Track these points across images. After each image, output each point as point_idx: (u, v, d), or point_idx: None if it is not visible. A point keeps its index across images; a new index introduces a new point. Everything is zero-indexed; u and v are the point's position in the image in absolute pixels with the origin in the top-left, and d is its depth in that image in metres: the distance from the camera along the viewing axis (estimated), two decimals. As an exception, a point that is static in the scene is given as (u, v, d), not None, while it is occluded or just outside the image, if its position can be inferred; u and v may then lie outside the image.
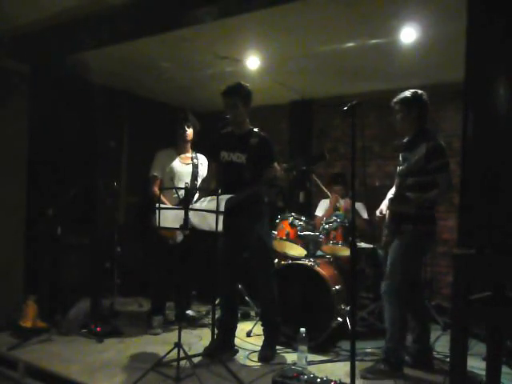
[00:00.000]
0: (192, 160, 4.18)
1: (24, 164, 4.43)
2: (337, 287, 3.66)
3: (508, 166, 2.50)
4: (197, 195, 3.97)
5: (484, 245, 2.18)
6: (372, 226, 4.45)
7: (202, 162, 4.20)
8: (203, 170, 4.15)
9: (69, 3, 3.55)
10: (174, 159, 4.11)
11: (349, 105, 2.47)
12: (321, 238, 4.03)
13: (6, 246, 4.28)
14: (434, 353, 3.37)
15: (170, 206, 3.63)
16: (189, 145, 4.20)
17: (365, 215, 4.59)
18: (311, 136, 6.07)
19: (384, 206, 3.36)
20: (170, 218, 3.05)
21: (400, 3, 3.37)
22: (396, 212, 3.14)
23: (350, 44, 4.03)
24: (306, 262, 3.73)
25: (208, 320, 4.21)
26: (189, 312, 4.31)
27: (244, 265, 3.51)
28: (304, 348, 3.02)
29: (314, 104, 6.00)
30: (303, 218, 4.10)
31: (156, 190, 4.00)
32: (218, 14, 3.45)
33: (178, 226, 2.99)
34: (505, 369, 2.79)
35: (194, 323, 4.19)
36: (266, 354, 3.33)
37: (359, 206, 4.57)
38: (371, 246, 4.16)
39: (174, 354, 2.93)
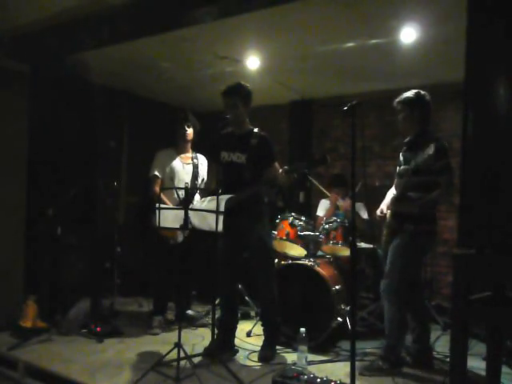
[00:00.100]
0: (192, 160, 4.18)
1: (24, 164, 4.43)
2: (337, 287, 3.66)
3: (508, 165, 2.50)
4: (197, 195, 3.99)
5: (484, 245, 2.18)
6: (371, 226, 4.45)
7: (202, 162, 4.20)
8: (203, 170, 4.15)
9: (69, 3, 3.55)
10: (174, 159, 4.11)
11: (349, 105, 2.47)
12: (321, 237, 4.03)
13: (6, 246, 4.28)
14: (434, 353, 3.37)
15: (170, 206, 3.63)
16: (189, 145, 4.20)
17: (365, 215, 4.59)
18: (311, 136, 6.07)
19: (384, 205, 3.36)
20: (170, 217, 3.06)
21: (400, 3, 3.37)
22: (398, 211, 3.14)
23: (350, 44, 4.03)
24: (306, 261, 3.73)
25: (208, 320, 4.21)
26: (189, 312, 4.31)
27: (244, 265, 3.51)
28: (304, 348, 3.02)
29: (314, 104, 5.99)
30: (303, 218, 4.11)
31: (157, 189, 4.00)
32: (218, 13, 3.45)
33: (178, 226, 2.99)
34: (505, 369, 2.79)
35: (193, 323, 4.19)
36: (266, 354, 3.33)
37: (359, 205, 4.57)
38: (371, 245, 4.16)
39: (173, 353, 2.93)
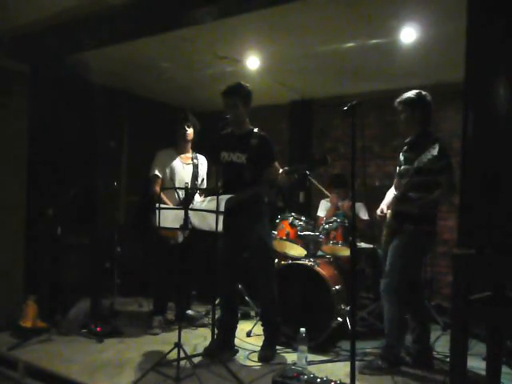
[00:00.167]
0: (192, 160, 4.18)
1: (24, 164, 4.43)
2: (337, 287, 3.66)
3: (508, 165, 2.50)
4: (197, 195, 3.98)
5: (484, 245, 2.18)
6: (371, 226, 4.45)
7: (202, 162, 4.20)
8: (203, 170, 4.16)
9: (69, 3, 3.55)
10: (174, 159, 4.11)
11: (349, 105, 2.47)
12: (321, 238, 4.03)
13: (6, 246, 4.28)
14: (434, 353, 3.37)
15: (170, 206, 3.63)
16: (189, 145, 4.21)
17: (365, 215, 4.59)
18: (311, 136, 6.07)
19: (384, 205, 3.36)
20: (170, 217, 3.06)
21: (400, 3, 3.37)
22: (398, 211, 3.14)
23: (350, 44, 4.03)
24: (306, 261, 3.73)
25: (208, 320, 4.21)
26: (189, 312, 4.31)
27: (244, 265, 3.51)
28: (304, 348, 3.02)
29: (314, 104, 6.00)
30: (303, 218, 4.11)
31: (158, 189, 4.00)
32: (218, 13, 3.45)
33: (178, 226, 2.99)
34: (505, 369, 2.79)
35: (193, 323, 4.19)
36: (266, 354, 3.33)
37: (359, 206, 4.56)
38: (371, 245, 4.16)
39: (173, 354, 2.93)
